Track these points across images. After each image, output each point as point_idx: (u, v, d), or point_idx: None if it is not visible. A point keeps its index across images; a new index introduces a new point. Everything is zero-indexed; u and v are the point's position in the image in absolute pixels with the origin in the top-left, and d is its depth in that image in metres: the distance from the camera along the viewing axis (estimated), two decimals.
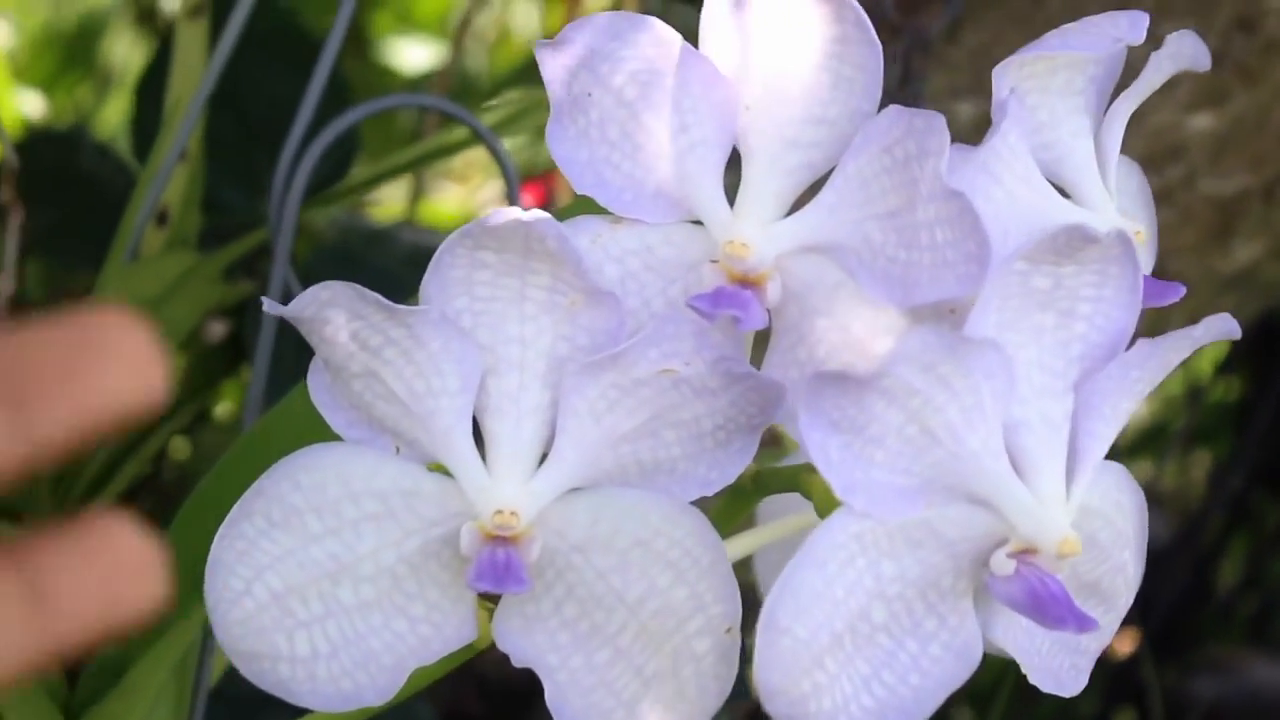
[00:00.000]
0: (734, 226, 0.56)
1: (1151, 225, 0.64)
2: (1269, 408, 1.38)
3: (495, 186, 1.49)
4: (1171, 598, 1.39)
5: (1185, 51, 0.61)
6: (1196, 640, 1.41)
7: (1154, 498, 1.60)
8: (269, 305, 0.54)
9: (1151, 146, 1.03)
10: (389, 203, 1.36)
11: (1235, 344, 1.41)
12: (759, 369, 0.55)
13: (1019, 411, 0.53)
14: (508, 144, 0.88)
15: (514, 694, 1.00)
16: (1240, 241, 1.07)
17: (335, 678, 0.56)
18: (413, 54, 1.48)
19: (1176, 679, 1.35)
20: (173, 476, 1.07)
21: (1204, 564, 1.42)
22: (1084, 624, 0.51)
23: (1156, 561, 1.50)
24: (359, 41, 1.45)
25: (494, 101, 0.91)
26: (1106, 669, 1.36)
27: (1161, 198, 1.04)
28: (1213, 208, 1.05)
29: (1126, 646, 1.34)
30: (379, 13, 1.49)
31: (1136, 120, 1.03)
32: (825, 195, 0.56)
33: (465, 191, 1.52)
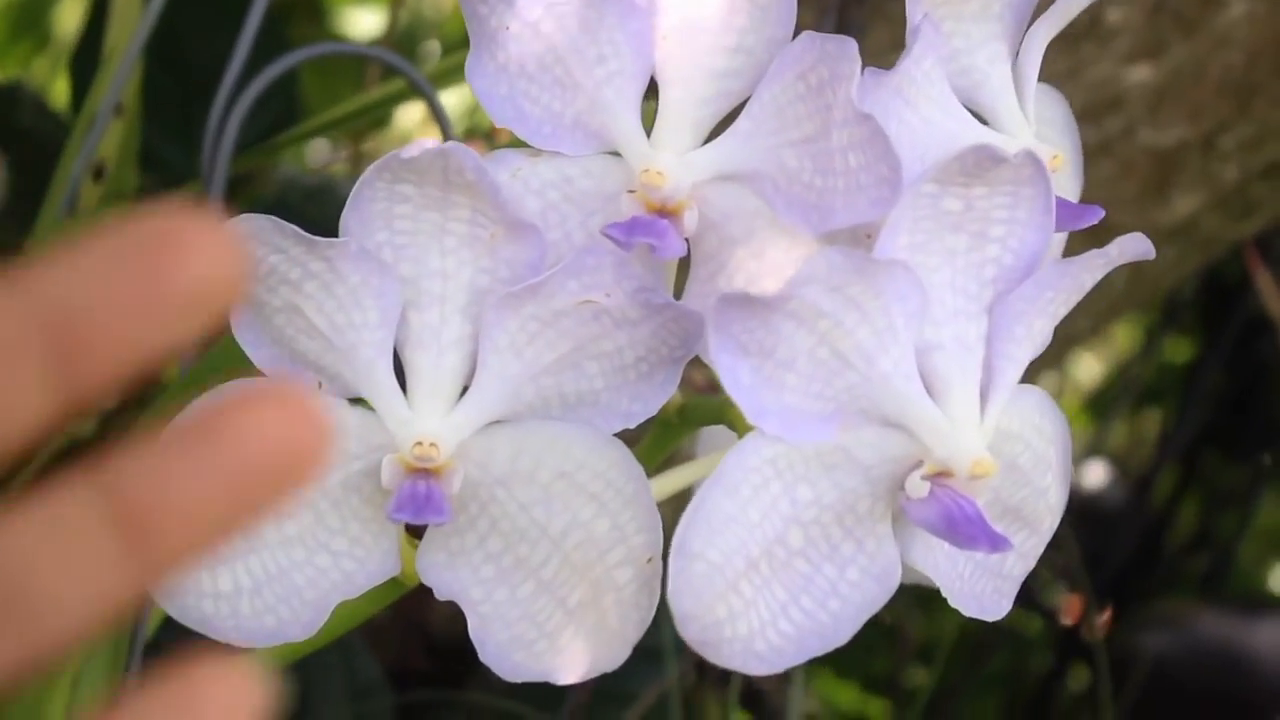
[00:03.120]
0: (651, 156, 0.56)
1: (1076, 153, 0.64)
2: (1217, 366, 1.39)
3: None
4: (1123, 555, 1.40)
5: None
6: (1148, 597, 1.42)
7: (1105, 458, 1.62)
8: None
9: (1090, 98, 1.03)
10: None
11: (1185, 301, 1.42)
12: (682, 300, 0.56)
13: (932, 334, 0.53)
14: (451, 107, 0.88)
15: (461, 651, 1.00)
16: (1179, 193, 1.07)
17: (258, 613, 0.56)
18: (365, 21, 1.48)
19: (1125, 635, 1.35)
20: (117, 436, 1.06)
21: (1156, 522, 1.43)
22: (997, 544, 0.51)
23: (1108, 520, 1.51)
24: (314, 10, 1.45)
25: (441, 61, 0.91)
26: (1058, 630, 1.37)
27: (1100, 150, 1.05)
28: (1151, 159, 1.06)
29: (1077, 608, 1.34)
30: None
31: (1074, 72, 1.04)
32: (741, 123, 0.56)
33: None
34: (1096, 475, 1.53)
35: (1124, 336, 1.66)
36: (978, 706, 1.41)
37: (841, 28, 0.96)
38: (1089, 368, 1.71)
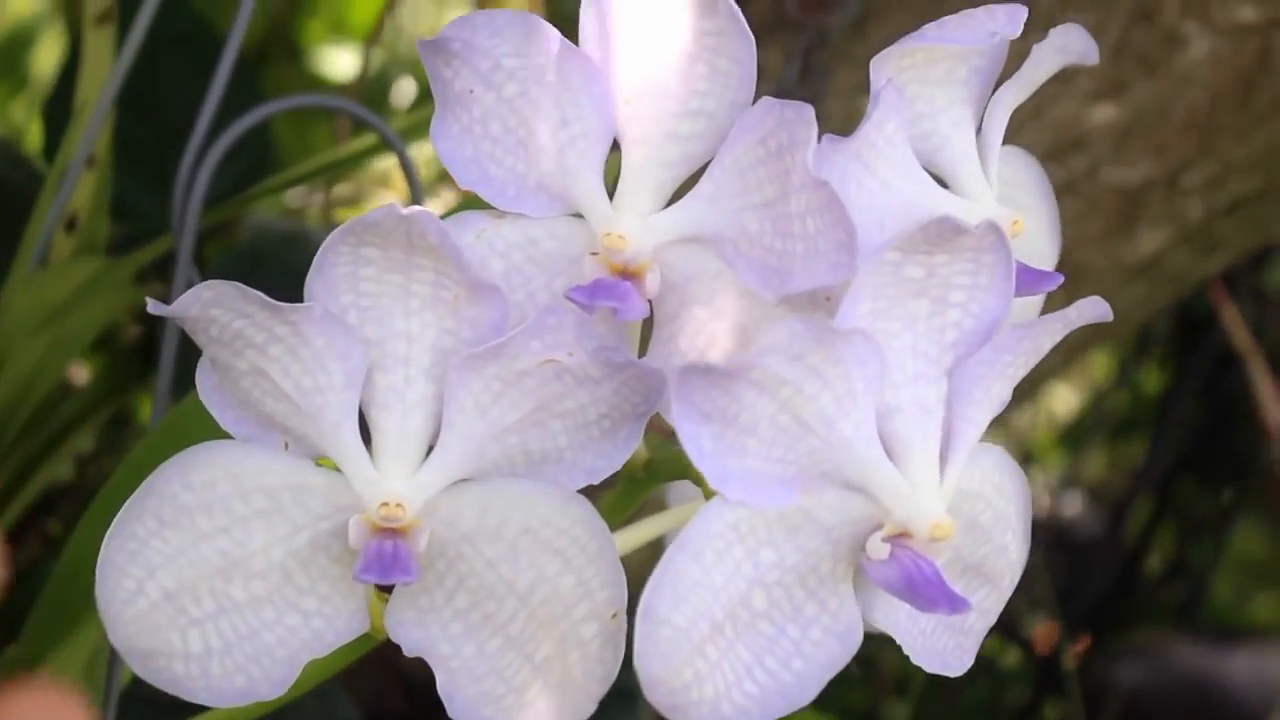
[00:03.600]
0: (613, 219, 0.56)
1: (1052, 216, 0.64)
2: (1190, 397, 1.40)
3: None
4: (1099, 585, 1.40)
5: (1072, 46, 0.61)
6: (1123, 627, 1.43)
7: (1080, 489, 1.62)
8: (154, 306, 0.54)
9: (1054, 137, 1.04)
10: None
11: (1157, 333, 1.43)
12: (644, 358, 0.56)
13: (892, 397, 0.53)
14: (423, 151, 0.88)
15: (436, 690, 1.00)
16: (1145, 230, 1.07)
17: (229, 673, 0.56)
18: (343, 62, 1.48)
19: (1101, 666, 1.36)
20: (96, 484, 1.07)
21: (1131, 552, 1.43)
22: (956, 605, 0.51)
23: (1084, 550, 1.52)
24: (291, 49, 1.45)
25: (414, 110, 0.91)
26: (1035, 660, 1.37)
27: (1065, 189, 1.05)
28: (1117, 197, 1.06)
29: (1051, 640, 1.35)
30: (311, 20, 1.49)
31: (1038, 112, 1.05)
32: (703, 186, 0.56)
33: (399, 198, 1.52)
34: (1072, 505, 1.54)
35: (1098, 367, 1.67)
36: None
37: (806, 70, 0.97)
38: (1063, 398, 1.71)
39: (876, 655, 1.20)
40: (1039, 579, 1.27)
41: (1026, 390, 1.24)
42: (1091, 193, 1.05)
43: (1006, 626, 1.32)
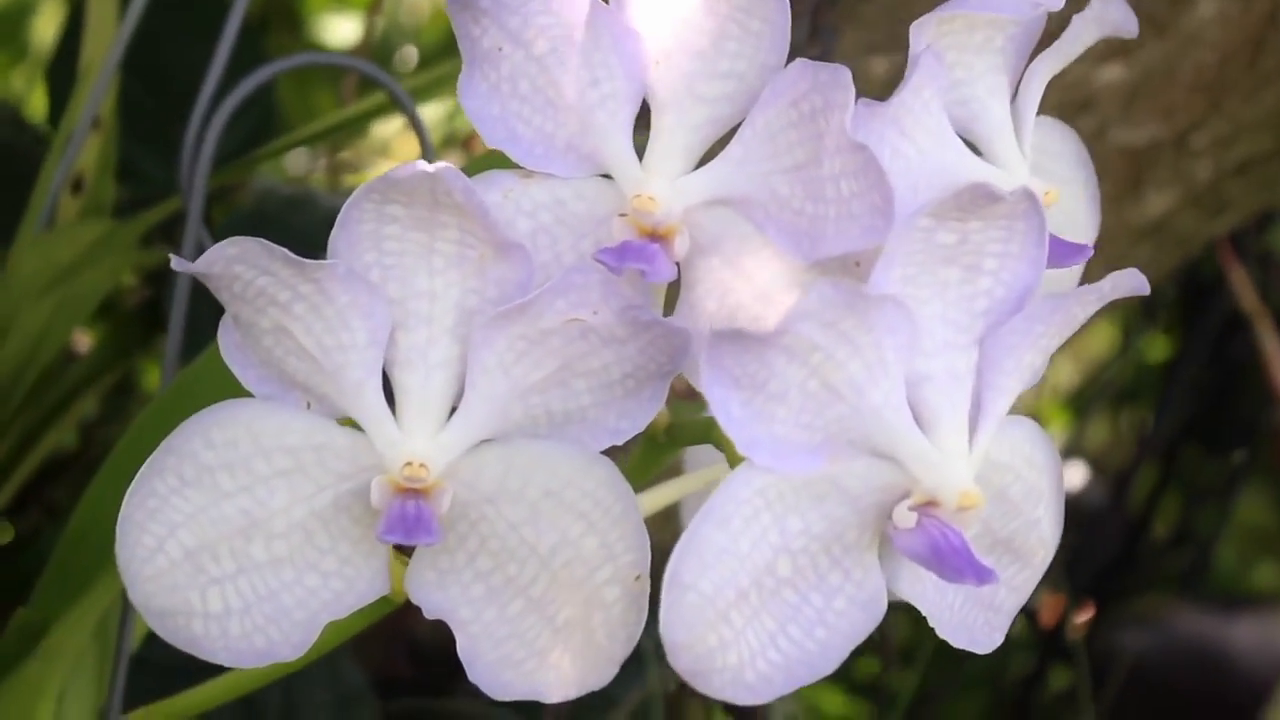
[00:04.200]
0: (643, 180, 0.56)
1: (1090, 187, 0.64)
2: (1195, 364, 1.40)
3: None
4: (1104, 556, 1.40)
5: (1110, 17, 0.61)
6: (1128, 596, 1.43)
7: (1084, 457, 1.62)
8: (177, 263, 0.54)
9: (1062, 99, 1.04)
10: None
11: (1161, 299, 1.43)
12: (670, 318, 0.56)
13: (922, 365, 0.53)
14: (429, 114, 0.88)
15: (446, 658, 1.00)
16: (1153, 191, 1.08)
17: (248, 634, 0.56)
18: (343, 30, 1.48)
19: (1105, 634, 1.36)
20: (101, 452, 1.07)
21: (1135, 521, 1.43)
22: (983, 576, 0.51)
23: (1089, 520, 1.52)
24: (292, 18, 1.45)
25: (421, 75, 0.91)
26: (1041, 629, 1.37)
27: None
28: (1125, 158, 1.06)
29: (1058, 609, 1.35)
30: None
31: None
32: (733, 149, 0.56)
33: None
34: (1076, 475, 1.54)
35: (1101, 336, 1.67)
36: (960, 708, 1.41)
37: (814, 30, 0.97)
38: (1066, 367, 1.71)
39: (886, 624, 1.20)
40: None
41: None
42: (1099, 154, 1.04)
43: None
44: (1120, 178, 1.07)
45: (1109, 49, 1.03)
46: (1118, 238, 1.09)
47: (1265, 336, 0.99)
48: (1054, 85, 1.05)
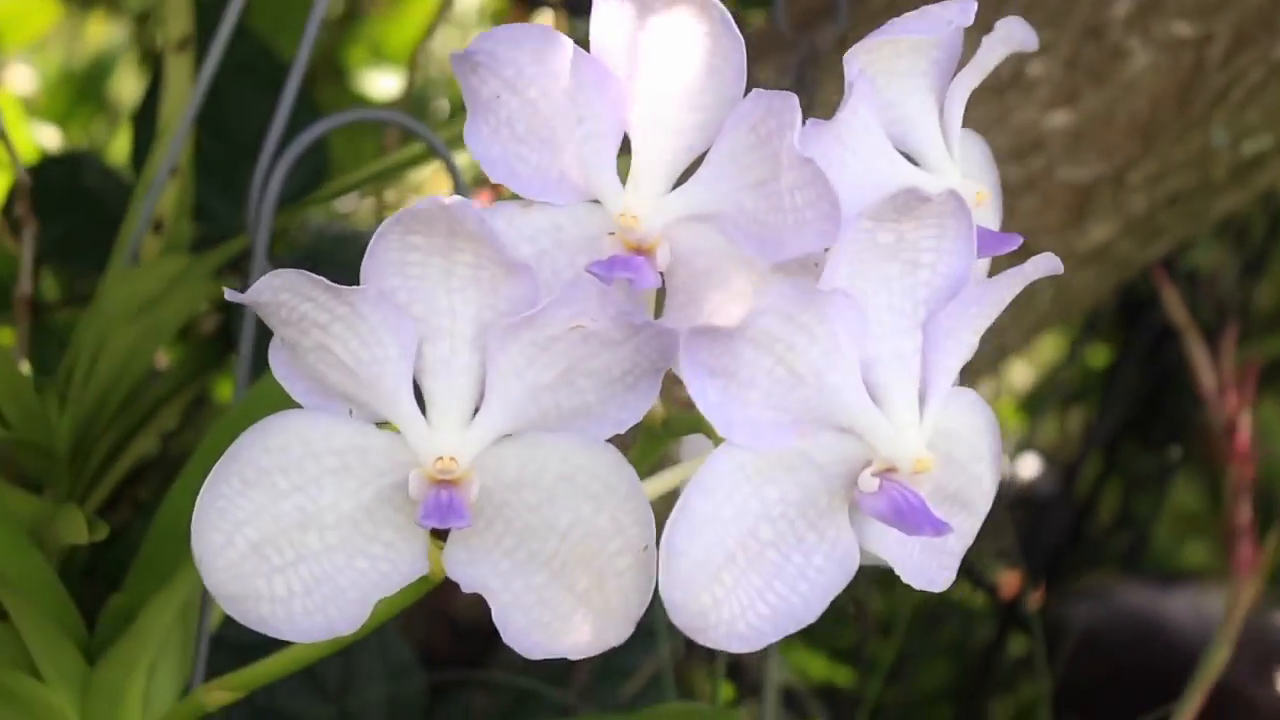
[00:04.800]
0: (627, 202, 0.57)
1: (995, 187, 0.64)
2: (1132, 369, 1.40)
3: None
4: (1055, 539, 1.40)
5: (1014, 35, 0.62)
6: (1076, 573, 1.43)
7: (1036, 451, 1.62)
8: (230, 294, 0.54)
9: (1015, 141, 1.04)
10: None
11: (1103, 314, 1.43)
12: (658, 320, 0.56)
13: (873, 349, 0.54)
14: (462, 158, 0.88)
15: (482, 633, 1.00)
16: (1095, 222, 1.07)
17: (310, 613, 0.56)
18: (383, 82, 1.48)
19: (1057, 607, 1.36)
20: (179, 455, 1.07)
21: (1082, 507, 1.43)
22: (940, 528, 0.52)
23: (1041, 507, 1.52)
24: (336, 72, 1.45)
25: (454, 123, 0.92)
26: (1000, 603, 1.37)
27: (1025, 186, 1.05)
28: (1070, 193, 1.06)
29: (1016, 584, 1.35)
30: (354, 46, 1.49)
31: (1001, 119, 1.05)
32: (704, 171, 0.57)
33: None
34: (1030, 467, 1.54)
35: (1051, 345, 1.67)
36: (931, 671, 1.41)
37: (799, 81, 0.97)
38: (1021, 373, 1.71)
39: (864, 598, 1.19)
40: (1002, 532, 1.27)
41: (989, 365, 1.24)
42: (1048, 189, 1.05)
43: (975, 574, 1.32)
44: (1066, 210, 1.07)
45: (1056, 97, 1.03)
46: (1065, 262, 1.08)
47: (1193, 346, 0.98)
48: (1007, 129, 1.06)
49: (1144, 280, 1.29)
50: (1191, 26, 1.02)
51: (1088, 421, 1.48)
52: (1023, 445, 1.52)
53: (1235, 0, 1.03)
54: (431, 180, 1.39)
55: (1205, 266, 1.38)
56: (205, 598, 0.74)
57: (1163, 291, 1.06)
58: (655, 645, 0.98)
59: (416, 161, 0.91)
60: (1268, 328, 1.58)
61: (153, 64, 1.09)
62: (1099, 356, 1.56)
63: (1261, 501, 1.16)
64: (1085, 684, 1.30)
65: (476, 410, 0.55)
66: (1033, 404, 1.62)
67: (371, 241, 0.54)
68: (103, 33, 1.57)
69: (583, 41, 0.58)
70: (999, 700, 1.40)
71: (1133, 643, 1.33)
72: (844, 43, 1.03)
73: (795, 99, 0.54)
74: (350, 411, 0.55)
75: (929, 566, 0.58)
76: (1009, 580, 1.37)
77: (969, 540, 0.59)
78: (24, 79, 1.51)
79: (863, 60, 0.58)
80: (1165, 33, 1.03)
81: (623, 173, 0.57)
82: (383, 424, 0.55)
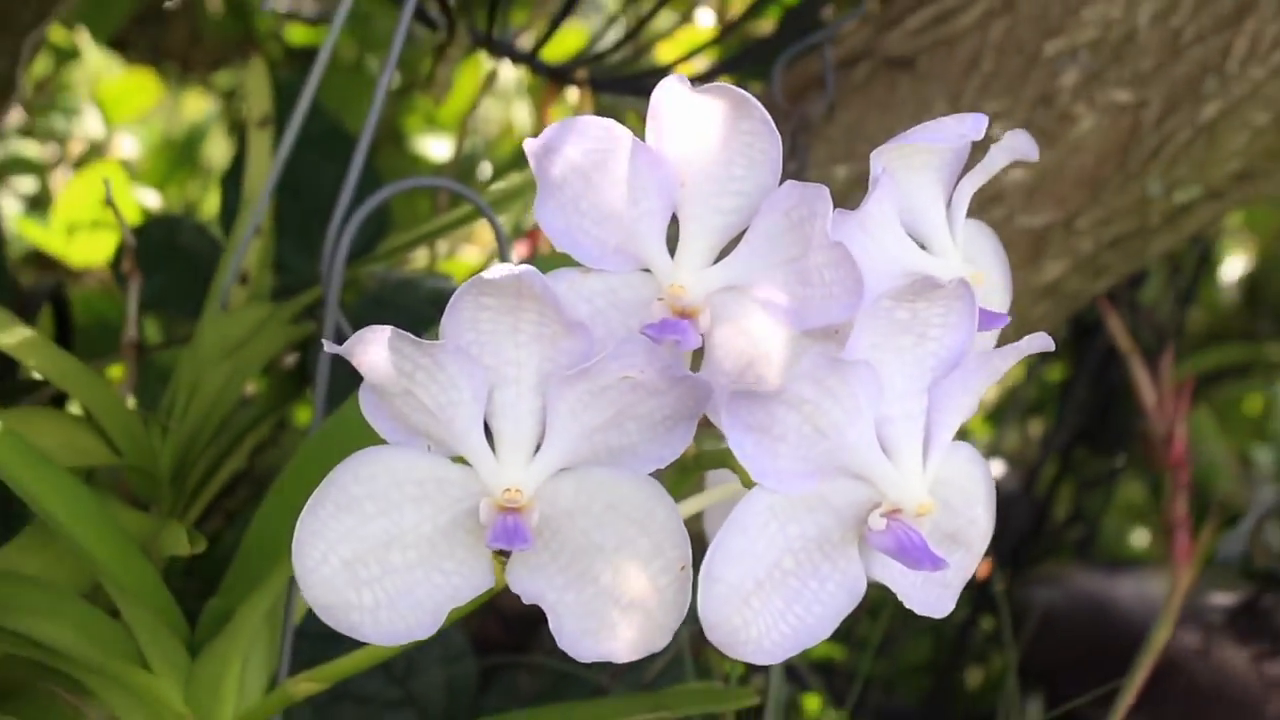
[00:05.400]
0: (674, 273, 0.57)
1: (1004, 273, 0.65)
2: (1083, 386, 1.40)
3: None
4: (1018, 531, 1.40)
5: (1018, 147, 0.62)
6: (1036, 561, 1.43)
7: (1002, 457, 1.62)
8: (329, 346, 0.55)
9: (979, 194, 1.04)
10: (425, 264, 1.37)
11: (1057, 339, 1.43)
12: (697, 374, 0.57)
13: (886, 409, 0.54)
14: (504, 214, 0.88)
15: (527, 621, 1.00)
16: (1048, 261, 1.08)
17: (393, 620, 0.56)
18: (436, 147, 1.49)
19: (1020, 590, 1.36)
20: (263, 471, 1.08)
21: (1041, 504, 1.43)
22: (937, 564, 0.53)
23: (1006, 504, 1.52)
24: (396, 138, 1.45)
25: (496, 183, 0.91)
26: (972, 587, 1.37)
27: None
28: (1027, 237, 1.07)
29: (986, 571, 1.35)
30: (411, 116, 1.49)
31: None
32: (742, 248, 0.57)
33: (480, 250, 1.52)
34: (995, 470, 1.54)
35: (1014, 368, 1.67)
36: (913, 647, 1.41)
37: (793, 148, 0.97)
38: (987, 391, 1.71)
39: None
40: None
41: None
42: (1007, 235, 1.05)
43: None
44: (1024, 252, 1.07)
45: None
46: (1022, 298, 1.09)
47: (1135, 366, 0.99)
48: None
49: (1091, 309, 1.30)
50: (1129, 94, 1.03)
51: (1045, 430, 1.47)
52: (989, 451, 1.52)
53: (1165, 71, 1.03)
54: (479, 230, 1.39)
55: (1146, 298, 1.39)
56: (290, 599, 0.74)
57: (1108, 319, 1.07)
58: (678, 631, 0.98)
59: (465, 220, 0.91)
60: (1199, 347, 1.59)
61: (239, 135, 1.10)
62: (1054, 374, 1.57)
63: (1196, 498, 1.17)
64: (1046, 656, 1.30)
65: (538, 447, 0.55)
66: (997, 416, 1.62)
67: (450, 302, 0.55)
68: (197, 106, 1.57)
69: (605, 111, 0.58)
70: (971, 671, 1.40)
71: (1087, 621, 1.33)
72: (829, 112, 1.03)
73: (826, 190, 0.54)
74: (429, 447, 0.56)
75: (930, 596, 0.58)
76: (981, 568, 1.37)
77: (967, 574, 0.59)
78: (129, 148, 1.51)
79: (886, 158, 0.59)
80: (1106, 100, 1.03)
81: (671, 241, 0.58)
82: (457, 458, 0.56)
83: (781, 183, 0.57)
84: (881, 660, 1.34)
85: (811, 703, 1.19)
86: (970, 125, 0.59)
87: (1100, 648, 1.29)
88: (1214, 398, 1.65)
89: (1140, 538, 1.64)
